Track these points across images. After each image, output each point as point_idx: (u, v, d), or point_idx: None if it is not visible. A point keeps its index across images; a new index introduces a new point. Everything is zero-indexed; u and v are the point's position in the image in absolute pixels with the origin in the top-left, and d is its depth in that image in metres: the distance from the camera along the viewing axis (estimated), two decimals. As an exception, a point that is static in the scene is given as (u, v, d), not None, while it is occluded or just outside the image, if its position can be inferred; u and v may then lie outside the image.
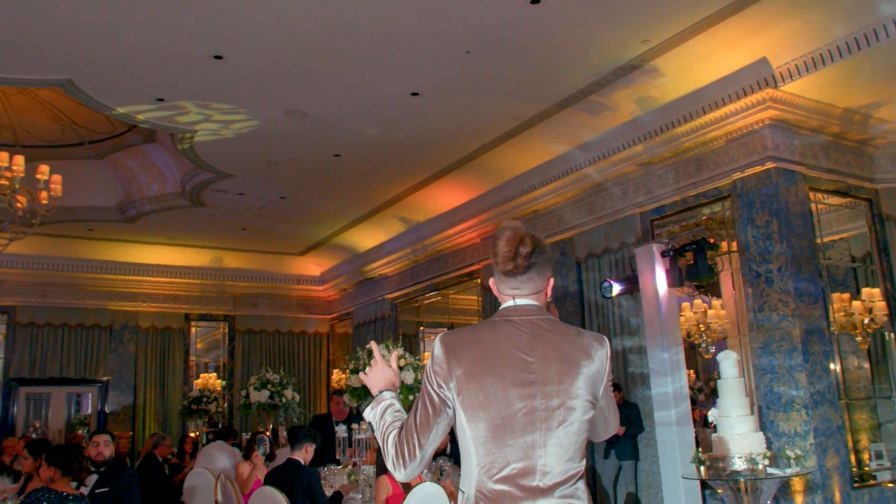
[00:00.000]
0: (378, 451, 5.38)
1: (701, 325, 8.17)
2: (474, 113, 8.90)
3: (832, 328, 7.64)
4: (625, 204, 9.26)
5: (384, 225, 13.43)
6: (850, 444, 7.45)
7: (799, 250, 7.52)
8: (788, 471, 5.95)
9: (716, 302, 8.25)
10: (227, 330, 15.88)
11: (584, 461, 2.13)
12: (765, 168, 7.64)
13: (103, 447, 5.70)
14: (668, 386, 7.60)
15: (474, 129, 9.42)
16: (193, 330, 15.57)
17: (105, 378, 14.39)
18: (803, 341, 7.26)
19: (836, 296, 8.10)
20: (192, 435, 11.90)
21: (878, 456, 7.74)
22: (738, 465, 5.82)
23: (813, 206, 7.87)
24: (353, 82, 8.06)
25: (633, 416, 8.44)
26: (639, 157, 8.84)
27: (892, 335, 8.35)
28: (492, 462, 2.03)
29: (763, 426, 7.46)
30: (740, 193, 7.87)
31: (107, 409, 14.27)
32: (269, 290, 16.28)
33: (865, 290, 8.32)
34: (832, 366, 7.49)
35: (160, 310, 15.16)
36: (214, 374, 14.86)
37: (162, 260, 14.95)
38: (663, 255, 7.86)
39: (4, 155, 9.04)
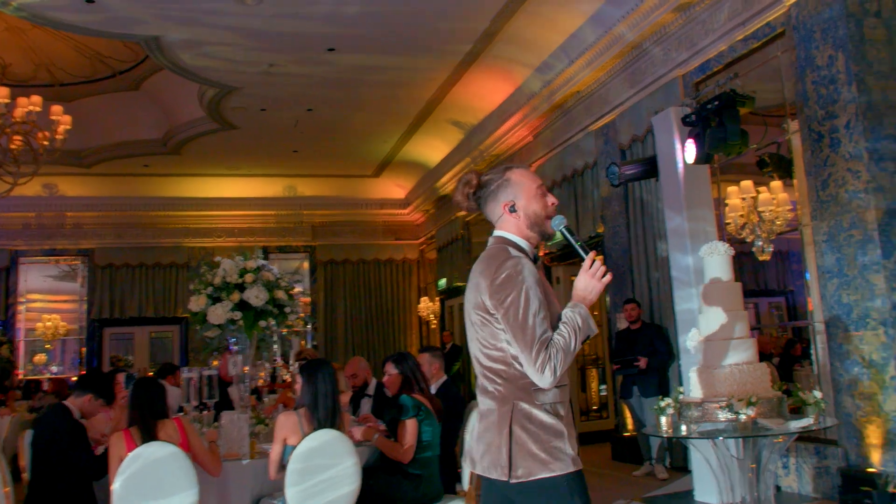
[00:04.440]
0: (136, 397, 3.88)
1: (753, 217, 5.92)
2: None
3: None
4: (666, 67, 7.06)
5: (441, 133, 11.80)
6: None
7: (879, 95, 5.11)
8: (796, 423, 3.82)
9: (775, 184, 5.93)
10: (308, 261, 15.07)
11: (510, 368, 2.27)
12: (825, -21, 5.24)
13: None
14: (694, 300, 5.55)
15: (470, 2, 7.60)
16: (273, 263, 14.84)
17: (185, 315, 14.07)
18: (882, 227, 4.93)
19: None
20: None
21: None
22: (717, 413, 3.79)
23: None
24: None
25: (656, 342, 6.41)
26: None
27: None
28: None
29: (830, 353, 5.26)
30: (796, 25, 5.51)
31: (189, 347, 14.01)
32: (350, 216, 15.14)
33: None
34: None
35: (237, 244, 14.44)
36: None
37: (231, 193, 14.26)
38: (685, 121, 5.69)
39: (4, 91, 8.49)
